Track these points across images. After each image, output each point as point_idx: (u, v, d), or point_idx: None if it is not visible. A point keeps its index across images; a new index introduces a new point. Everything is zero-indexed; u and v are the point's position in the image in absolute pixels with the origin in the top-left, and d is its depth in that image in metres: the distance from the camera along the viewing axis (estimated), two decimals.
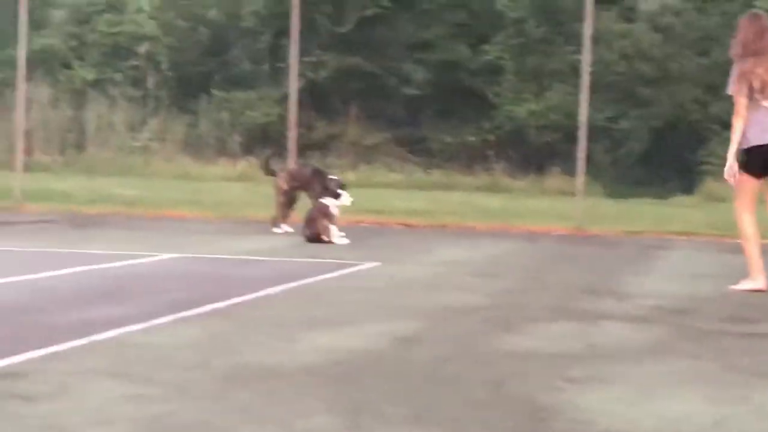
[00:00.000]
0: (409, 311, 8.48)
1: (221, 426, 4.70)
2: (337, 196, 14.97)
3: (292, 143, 19.96)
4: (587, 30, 18.84)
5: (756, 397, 5.70)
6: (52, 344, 6.37)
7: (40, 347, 6.26)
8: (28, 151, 26.52)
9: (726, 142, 10.82)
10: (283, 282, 9.98)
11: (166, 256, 12.20)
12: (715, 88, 29.08)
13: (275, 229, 16.20)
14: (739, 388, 5.92)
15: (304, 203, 16.11)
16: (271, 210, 16.59)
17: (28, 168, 22.15)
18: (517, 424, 4.94)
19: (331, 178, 15.96)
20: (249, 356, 6.34)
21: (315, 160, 27.94)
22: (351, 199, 15.08)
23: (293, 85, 20.34)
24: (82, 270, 10.54)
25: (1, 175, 22.83)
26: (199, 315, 7.88)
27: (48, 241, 13.71)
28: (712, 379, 6.20)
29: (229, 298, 8.75)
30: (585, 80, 18.82)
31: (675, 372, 6.36)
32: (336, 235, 14.67)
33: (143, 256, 11.99)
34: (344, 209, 15.16)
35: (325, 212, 14.78)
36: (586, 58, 18.90)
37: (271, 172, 17.01)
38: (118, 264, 11.22)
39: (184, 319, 7.63)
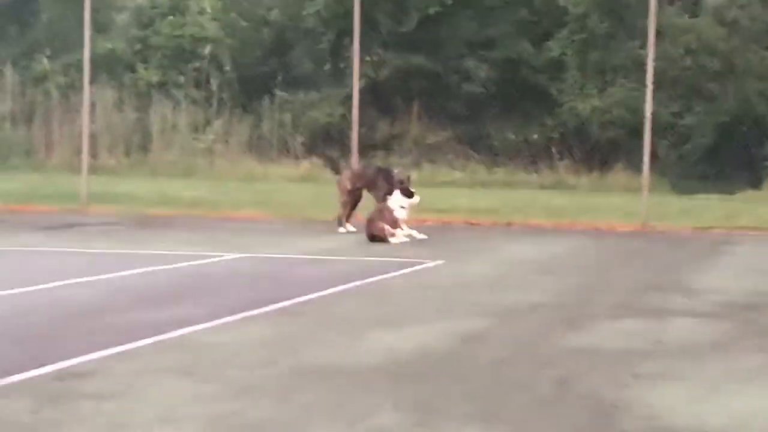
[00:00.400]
0: (473, 309, 8.46)
1: (287, 424, 4.72)
2: (411, 194, 14.93)
3: (354, 143, 19.97)
4: (651, 24, 18.67)
5: None
6: (120, 344, 6.43)
7: (108, 347, 6.32)
8: (94, 154, 26.77)
9: None
10: (348, 281, 9.99)
11: (231, 256, 12.26)
12: None
13: (340, 229, 16.22)
14: None
15: (369, 202, 16.13)
16: (334, 210, 16.62)
17: (93, 170, 22.34)
18: (584, 421, 4.92)
19: (396, 173, 16.00)
20: (315, 355, 6.36)
21: (378, 160, 27.95)
22: (418, 198, 15.03)
23: (355, 84, 20.35)
24: (148, 270, 10.62)
25: (68, 178, 23.08)
26: (265, 314, 7.91)
27: (114, 242, 13.83)
28: None
29: (294, 297, 8.78)
30: (649, 75, 18.66)
31: (743, 368, 6.29)
32: (399, 234, 14.62)
33: (209, 257, 12.05)
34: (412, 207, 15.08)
35: (386, 212, 14.76)
36: (650, 53, 18.74)
37: (338, 171, 17.07)
38: (184, 264, 11.29)
39: (250, 318, 7.67)
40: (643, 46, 19.82)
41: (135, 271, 10.50)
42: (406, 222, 14.89)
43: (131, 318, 7.56)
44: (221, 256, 12.22)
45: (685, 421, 4.94)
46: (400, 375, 5.84)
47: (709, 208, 21.23)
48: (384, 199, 15.37)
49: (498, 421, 4.87)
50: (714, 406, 5.28)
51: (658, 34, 19.42)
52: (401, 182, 15.37)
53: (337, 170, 17.11)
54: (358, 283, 9.96)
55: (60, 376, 5.53)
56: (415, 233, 14.69)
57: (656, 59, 19.14)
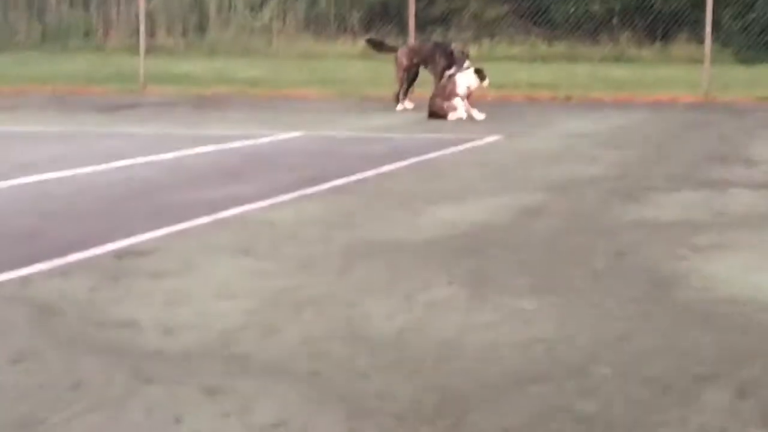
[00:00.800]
0: (531, 183, 8.44)
1: (345, 298, 4.76)
2: (483, 77, 14.71)
3: (411, 19, 19.79)
4: None
5: None
6: (178, 222, 6.48)
7: (166, 225, 6.38)
8: (151, 35, 26.78)
9: None
10: (405, 158, 9.98)
11: (288, 135, 12.28)
12: None
13: (398, 106, 16.17)
14: None
15: (427, 79, 16.04)
16: (392, 87, 16.55)
17: (151, 51, 22.38)
18: (639, 292, 4.91)
19: (454, 46, 15.91)
20: (371, 231, 6.38)
21: (437, 36, 27.73)
22: (486, 83, 14.78)
23: None
24: (206, 150, 10.68)
25: (126, 59, 23.14)
26: (321, 192, 7.94)
27: (172, 122, 13.89)
28: None
29: (351, 174, 8.80)
30: None
31: None
32: (458, 109, 14.49)
33: (266, 136, 12.08)
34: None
35: (448, 85, 14.65)
36: None
37: (391, 49, 16.97)
38: (241, 144, 11.33)
39: (307, 196, 7.70)
40: None
41: (193, 151, 10.56)
42: (470, 100, 14.72)
43: (189, 197, 7.62)
44: (278, 135, 12.24)
45: (741, 290, 4.92)
46: (456, 249, 5.85)
47: None
48: (442, 75, 15.27)
49: (552, 293, 4.87)
50: None
51: None
52: (464, 53, 15.24)
53: (382, 49, 17.03)
54: (415, 159, 9.96)
55: (119, 254, 5.60)
56: (475, 113, 14.54)
57: None
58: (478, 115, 14.45)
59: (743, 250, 5.85)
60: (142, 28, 20.89)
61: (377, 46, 17.48)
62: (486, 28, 31.91)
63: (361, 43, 30.54)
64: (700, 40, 20.06)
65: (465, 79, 14.62)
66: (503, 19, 32.39)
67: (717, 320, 4.43)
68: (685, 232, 6.36)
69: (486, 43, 30.30)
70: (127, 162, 9.57)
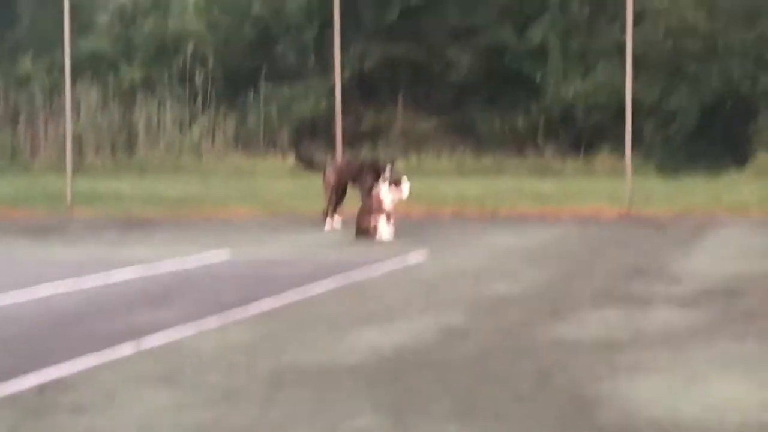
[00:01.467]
0: (456, 303, 8.50)
1: (268, 429, 4.75)
2: (398, 184, 14.76)
3: (338, 136, 19.99)
4: (629, 7, 18.73)
5: None
6: (101, 352, 6.44)
7: (89, 355, 6.33)
8: (80, 154, 26.76)
9: None
10: (331, 278, 10.01)
11: (216, 256, 12.27)
12: (764, 61, 28.85)
13: (326, 225, 16.23)
14: None
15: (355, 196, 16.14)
16: (321, 203, 16.63)
17: (80, 171, 22.33)
18: (561, 416, 4.96)
19: (381, 164, 16.03)
20: (297, 357, 6.39)
21: (365, 150, 28.01)
22: (407, 190, 14.81)
23: (338, 76, 20.35)
24: (132, 274, 10.63)
25: (53, 179, 23.05)
26: (247, 315, 7.93)
27: (99, 245, 13.83)
28: (757, 362, 6.17)
29: (277, 297, 8.80)
30: (629, 58, 18.70)
31: (721, 356, 6.34)
32: (386, 230, 14.50)
33: (193, 257, 12.06)
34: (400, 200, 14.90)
35: (375, 206, 14.69)
36: (629, 37, 18.77)
37: (319, 167, 17.07)
38: (167, 266, 11.30)
39: (232, 321, 7.69)
40: (624, 29, 19.82)
41: (119, 275, 10.50)
42: (392, 214, 14.76)
43: (113, 325, 7.57)
44: (205, 255, 12.23)
45: (662, 412, 4.98)
46: (380, 374, 5.87)
47: (694, 190, 21.30)
48: (369, 192, 15.35)
49: (475, 419, 4.90)
50: (691, 396, 5.32)
51: (638, 17, 19.45)
52: (390, 162, 15.31)
53: (312, 166, 17.14)
54: (341, 279, 9.99)
55: (40, 388, 5.55)
56: (388, 232, 14.42)
57: (637, 42, 19.16)
58: (389, 235, 14.32)
59: (663, 370, 5.92)
60: (68, 147, 20.86)
61: (307, 164, 17.60)
62: (414, 143, 32.27)
63: (291, 160, 30.78)
64: (623, 153, 20.41)
65: (386, 193, 14.70)
66: (430, 133, 32.81)
67: None
68: (607, 351, 6.43)
69: (414, 157, 30.62)
70: (51, 288, 9.49)
